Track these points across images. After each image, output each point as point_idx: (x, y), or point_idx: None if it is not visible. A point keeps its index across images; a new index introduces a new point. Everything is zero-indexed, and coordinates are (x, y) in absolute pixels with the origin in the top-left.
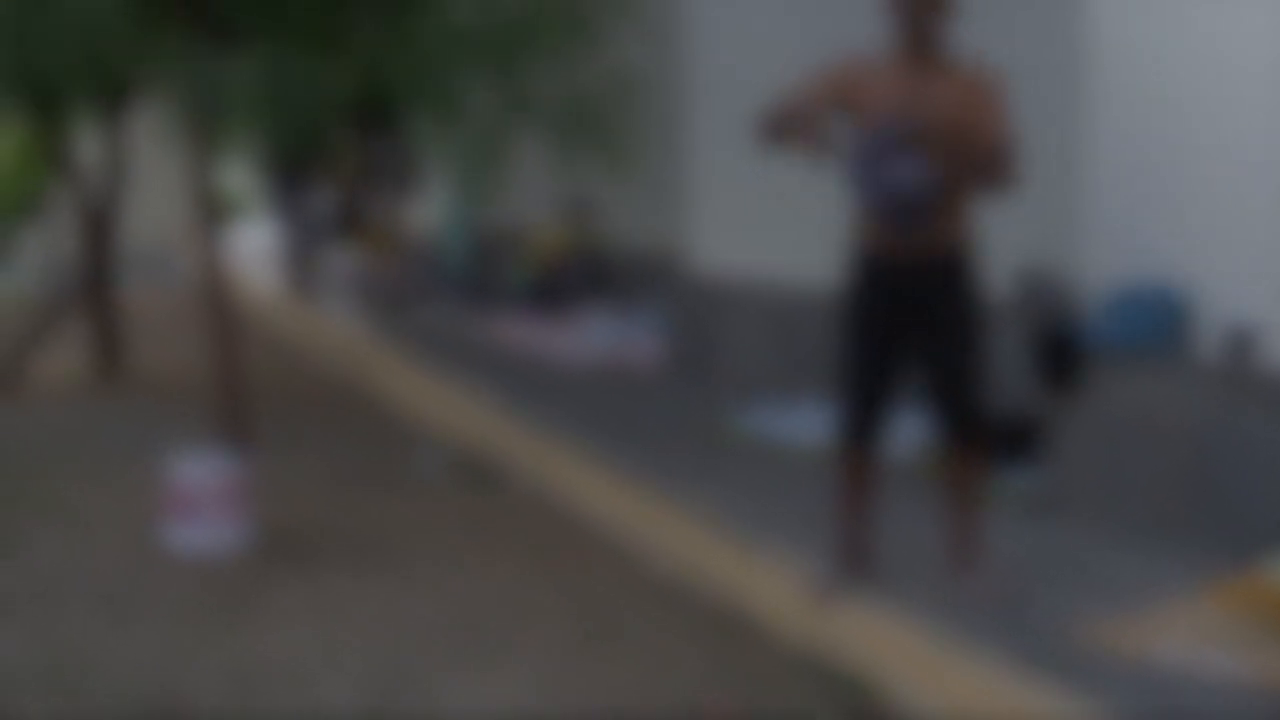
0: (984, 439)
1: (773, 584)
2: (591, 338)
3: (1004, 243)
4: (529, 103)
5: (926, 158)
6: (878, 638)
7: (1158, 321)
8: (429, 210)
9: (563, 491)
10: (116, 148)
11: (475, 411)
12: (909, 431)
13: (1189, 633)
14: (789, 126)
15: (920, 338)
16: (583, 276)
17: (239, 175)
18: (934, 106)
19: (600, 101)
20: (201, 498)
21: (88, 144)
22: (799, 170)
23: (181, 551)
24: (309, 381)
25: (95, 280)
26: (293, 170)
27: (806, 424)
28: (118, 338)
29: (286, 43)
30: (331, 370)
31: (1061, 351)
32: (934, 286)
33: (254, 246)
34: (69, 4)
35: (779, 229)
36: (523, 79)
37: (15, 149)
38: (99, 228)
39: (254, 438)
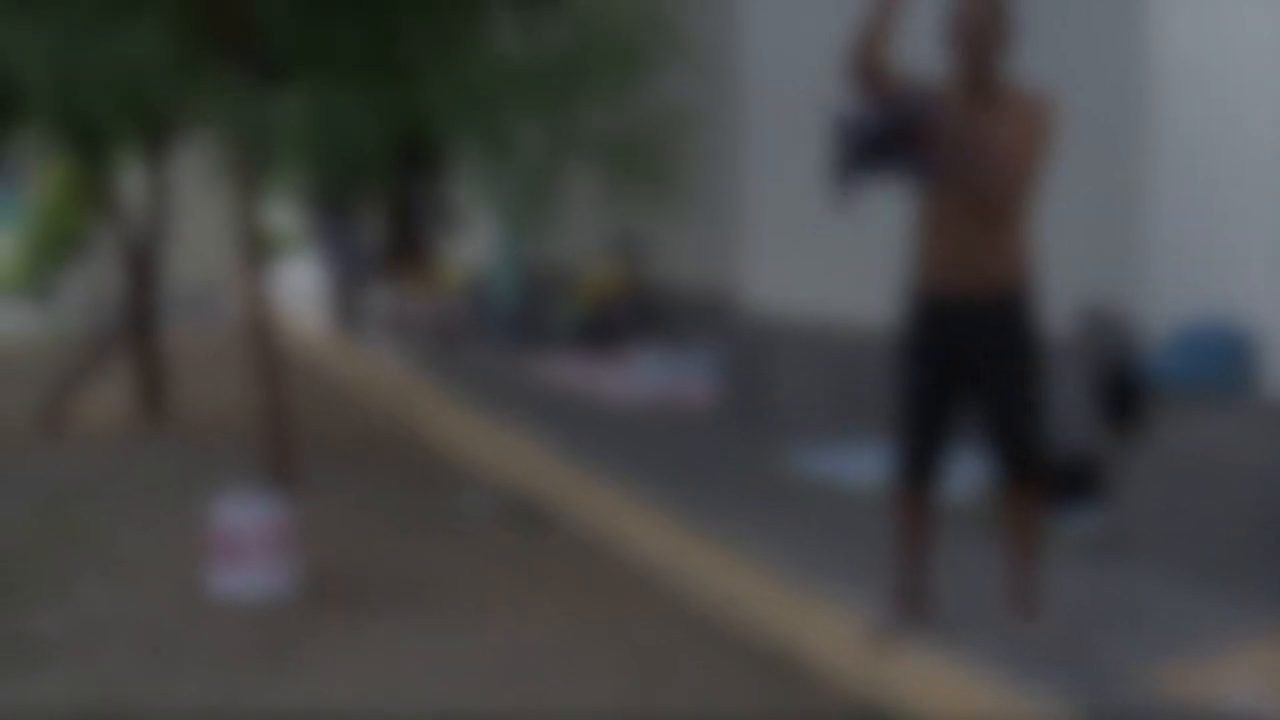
0: (1044, 480)
1: (829, 629)
2: (642, 377)
3: (1064, 278)
4: (579, 138)
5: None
6: (936, 684)
7: (1223, 358)
8: (476, 248)
9: (613, 534)
10: (160, 185)
11: (524, 452)
12: (967, 473)
13: (1257, 678)
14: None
15: (979, 377)
16: (634, 315)
17: (284, 213)
18: (991, 138)
19: (652, 137)
20: (246, 541)
21: (131, 182)
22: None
23: (226, 596)
24: (355, 422)
25: (139, 319)
26: (339, 207)
27: (862, 465)
28: (161, 377)
29: (332, 79)
30: (378, 410)
31: (1124, 389)
32: (993, 324)
33: (299, 284)
34: (112, 42)
35: (834, 267)
36: (573, 114)
37: (59, 187)
38: (142, 266)
39: (299, 480)
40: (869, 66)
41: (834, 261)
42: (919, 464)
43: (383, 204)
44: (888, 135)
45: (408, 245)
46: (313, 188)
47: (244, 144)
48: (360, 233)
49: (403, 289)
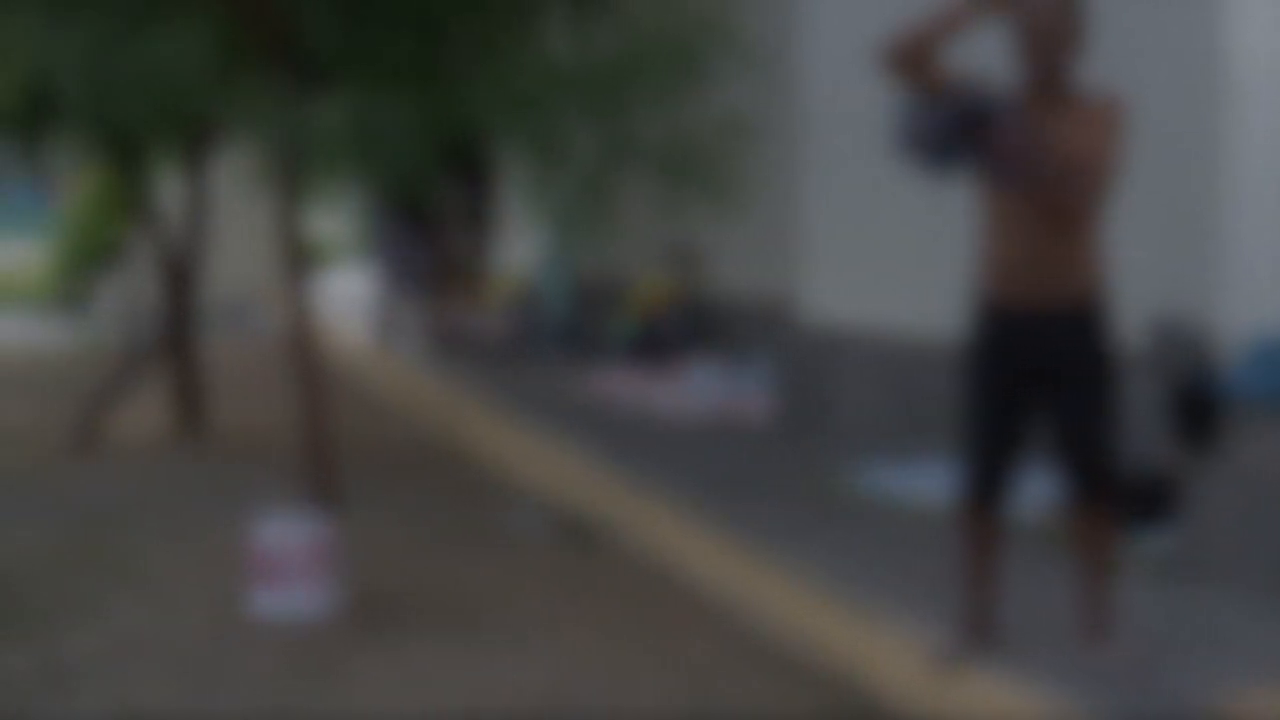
0: (1116, 499)
1: (892, 652)
2: (698, 391)
3: (1137, 289)
4: (633, 144)
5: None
6: (1003, 710)
7: None
8: (525, 258)
9: (667, 552)
10: (198, 193)
11: (575, 468)
12: (1037, 491)
13: None
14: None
15: (1049, 391)
16: (688, 326)
17: (332, 220)
18: (1061, 143)
19: (708, 143)
20: (287, 561)
21: (169, 190)
22: (917, 213)
23: (266, 617)
24: (401, 437)
25: (176, 331)
26: (412, 214)
27: (927, 483)
28: (200, 392)
29: (376, 83)
30: (424, 425)
31: (1199, 405)
32: (1064, 336)
33: (343, 295)
34: (149, 46)
35: (897, 275)
36: (626, 119)
37: (94, 194)
38: (180, 277)
39: (342, 497)
40: (916, 59)
41: (896, 269)
42: (987, 481)
43: (433, 213)
44: (950, 130)
45: (457, 255)
46: (382, 193)
47: (285, 150)
48: (424, 242)
49: (450, 300)
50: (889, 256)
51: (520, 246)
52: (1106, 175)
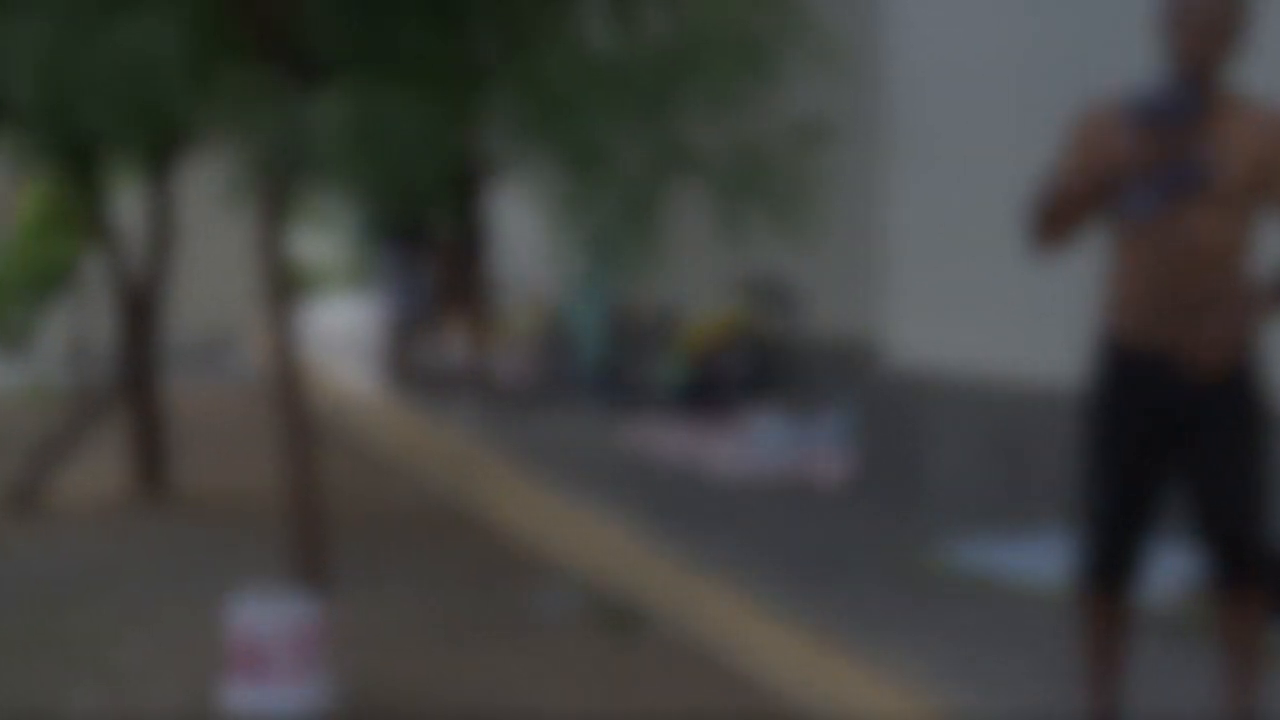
0: (1266, 580)
1: None
2: (761, 447)
3: None
4: (686, 153)
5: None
6: None
7: None
8: (551, 286)
9: (725, 641)
10: (165, 210)
11: (613, 539)
12: (1172, 570)
13: None
14: (1065, 209)
15: (1188, 451)
16: (750, 370)
17: (319, 245)
18: (1225, 151)
19: (777, 152)
20: (269, 650)
21: (129, 205)
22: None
23: (244, 716)
24: (406, 500)
25: (136, 373)
26: (412, 235)
27: (1039, 559)
28: (164, 445)
29: (384, 79)
30: (433, 485)
31: None
32: (1210, 387)
33: (336, 331)
34: (119, 34)
35: (1003, 309)
36: (679, 123)
37: (40, 209)
38: (141, 309)
39: (335, 573)
40: (1061, 240)
41: (1003, 302)
42: (1113, 559)
43: (444, 233)
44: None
45: (469, 284)
46: (379, 211)
47: (276, 155)
48: (430, 268)
49: (464, 337)
50: (994, 287)
51: (548, 274)
52: (1269, 195)
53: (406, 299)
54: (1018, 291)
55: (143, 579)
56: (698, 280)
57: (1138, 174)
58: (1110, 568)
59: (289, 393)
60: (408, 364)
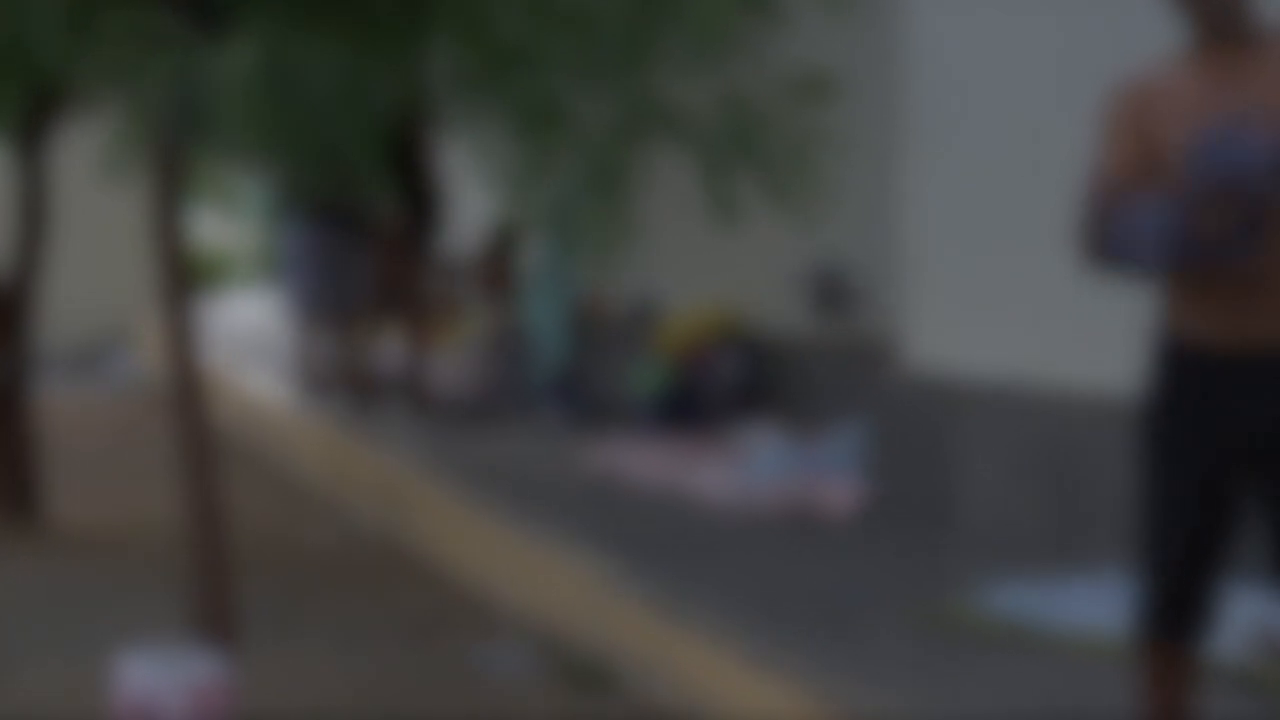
0: None
1: None
2: (756, 470)
3: None
4: (663, 111)
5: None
6: None
7: None
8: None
9: (707, 703)
10: (37, 185)
11: (577, 582)
12: (1245, 616)
13: None
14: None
15: (1264, 475)
16: (742, 377)
17: (224, 227)
18: (1266, 97)
19: (771, 111)
20: (164, 714)
21: None
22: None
23: None
24: (328, 534)
25: (1, 382)
26: (330, 216)
27: (1089, 604)
28: (34, 467)
29: (298, 21)
30: (361, 516)
31: None
32: None
33: (245, 329)
34: None
35: (1044, 306)
36: (656, 76)
37: None
38: (7, 304)
39: (244, 623)
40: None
41: (1043, 298)
42: (1178, 603)
43: (376, 212)
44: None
45: (409, 273)
46: (293, 183)
47: (170, 114)
48: (358, 253)
49: (400, 337)
50: (1033, 279)
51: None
52: None
53: (322, 291)
54: (1063, 284)
55: (7, 632)
56: (679, 267)
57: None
58: (1175, 613)
59: (187, 404)
60: (331, 370)
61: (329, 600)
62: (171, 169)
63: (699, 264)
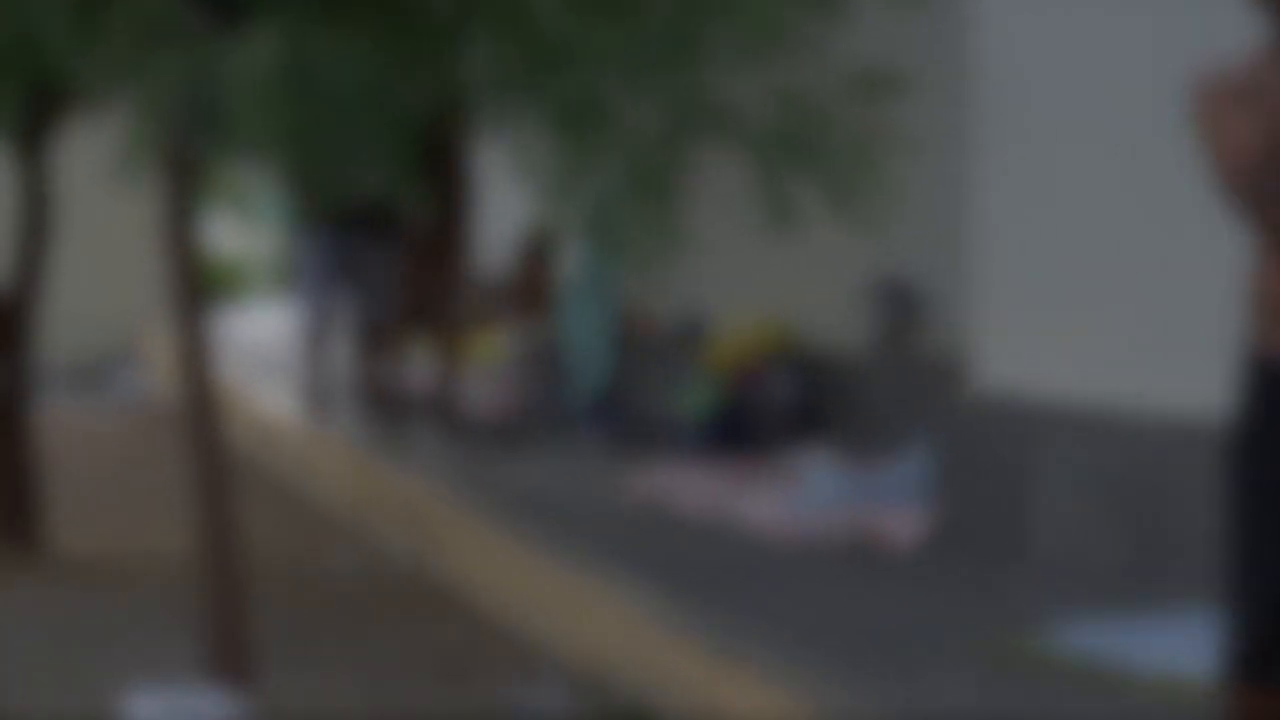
0: None
1: None
2: (811, 499)
3: None
4: (714, 112)
5: None
6: None
7: None
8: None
9: None
10: (41, 191)
11: (619, 618)
12: None
13: None
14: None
15: None
16: (797, 399)
17: (240, 235)
18: None
19: (832, 109)
20: None
21: None
22: (1158, 230)
23: None
24: (350, 564)
25: (1, 400)
26: (354, 224)
27: (1172, 643)
28: (36, 491)
29: (320, 15)
30: (387, 546)
31: None
32: None
33: (262, 344)
34: None
35: (1123, 325)
36: (706, 73)
37: None
38: (8, 316)
39: (260, 658)
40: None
41: (1122, 318)
42: (1269, 645)
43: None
44: None
45: (441, 285)
46: (313, 187)
47: (184, 114)
48: (383, 265)
49: (430, 353)
50: (1113, 293)
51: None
52: None
53: (357, 303)
54: (1145, 300)
55: (9, 669)
56: (730, 278)
57: None
58: (1269, 654)
59: (199, 423)
60: (341, 388)
61: (351, 634)
62: (184, 172)
63: (751, 275)
